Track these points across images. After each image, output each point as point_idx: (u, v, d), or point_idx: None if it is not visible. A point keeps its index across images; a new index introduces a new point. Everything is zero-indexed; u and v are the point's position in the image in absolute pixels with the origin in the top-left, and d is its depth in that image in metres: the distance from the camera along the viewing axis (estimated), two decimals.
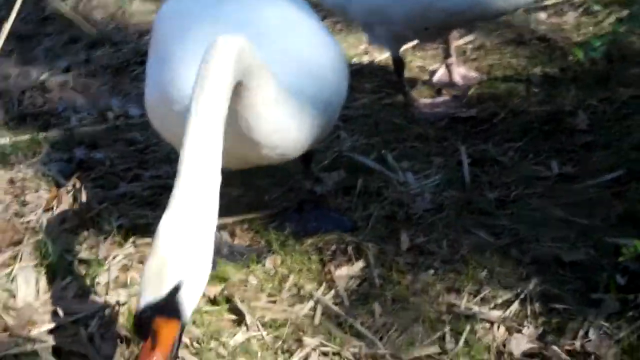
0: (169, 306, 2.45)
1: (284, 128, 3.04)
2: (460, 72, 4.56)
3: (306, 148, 3.24)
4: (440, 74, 4.57)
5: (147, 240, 3.61)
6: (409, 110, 4.37)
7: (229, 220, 3.73)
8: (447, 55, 4.56)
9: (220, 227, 3.68)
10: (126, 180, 4.06)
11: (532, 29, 4.90)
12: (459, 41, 4.85)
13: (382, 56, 4.88)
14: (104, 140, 4.38)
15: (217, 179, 2.59)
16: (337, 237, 3.56)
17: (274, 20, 3.20)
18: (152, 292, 2.44)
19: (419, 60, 4.84)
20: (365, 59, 4.89)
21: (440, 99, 4.46)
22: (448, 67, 4.55)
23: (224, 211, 3.73)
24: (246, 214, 3.77)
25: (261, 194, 3.88)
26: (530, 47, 4.76)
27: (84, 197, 3.87)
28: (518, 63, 4.63)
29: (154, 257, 2.47)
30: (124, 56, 5.11)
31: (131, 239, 3.65)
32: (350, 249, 3.50)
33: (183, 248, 2.47)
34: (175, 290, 2.46)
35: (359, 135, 4.23)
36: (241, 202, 3.84)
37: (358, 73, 4.71)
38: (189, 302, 2.49)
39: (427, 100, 4.46)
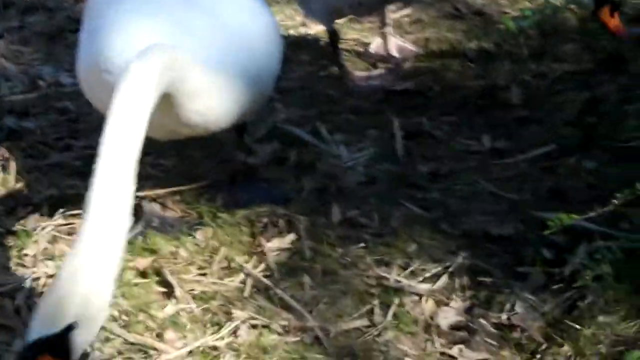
0: (59, 345, 2.38)
1: (212, 102, 3.02)
2: (396, 43, 4.56)
3: (236, 121, 3.22)
4: (377, 45, 4.56)
5: (77, 211, 3.57)
6: (344, 82, 4.36)
7: (160, 191, 3.70)
8: (383, 25, 4.56)
9: (151, 199, 3.65)
10: (57, 149, 4.00)
11: (469, 3, 4.92)
12: (395, 14, 4.85)
13: (319, 28, 4.85)
14: (35, 108, 4.31)
15: (126, 222, 2.53)
16: (268, 209, 3.54)
17: None
18: (45, 328, 2.37)
19: (355, 33, 4.83)
20: (302, 31, 4.87)
21: (375, 72, 4.46)
22: (384, 37, 4.54)
23: (155, 182, 3.75)
24: (178, 186, 3.74)
25: (193, 166, 3.85)
26: (467, 21, 4.77)
27: (13, 167, 3.81)
28: (454, 37, 4.64)
29: (53, 293, 2.41)
30: (58, 23, 5.02)
31: (61, 210, 3.59)
32: (281, 221, 3.49)
33: (83, 290, 2.40)
34: (69, 329, 2.39)
35: (294, 107, 4.21)
36: (173, 174, 3.81)
37: (294, 45, 4.68)
38: (80, 343, 2.43)
39: (363, 73, 4.46)
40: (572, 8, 4.62)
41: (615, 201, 2.83)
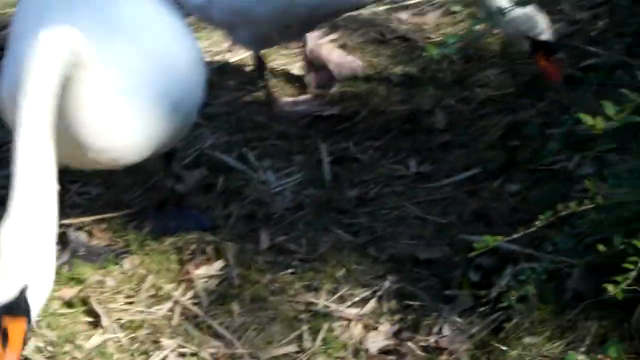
0: (16, 306, 2.50)
1: (114, 131, 3.01)
2: (324, 75, 4.57)
3: (150, 152, 3.20)
4: (306, 80, 4.56)
5: None
6: (271, 108, 4.37)
7: (86, 219, 3.67)
8: (308, 58, 4.58)
9: (77, 227, 3.62)
10: None
11: (394, 28, 4.97)
12: (321, 40, 4.88)
13: (245, 54, 4.87)
14: None
15: (53, 182, 2.60)
16: (196, 236, 3.54)
17: (125, 16, 3.15)
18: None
19: (282, 58, 4.84)
20: (228, 57, 4.87)
21: (302, 97, 4.48)
22: (312, 72, 4.55)
23: (81, 211, 3.72)
24: (104, 214, 3.71)
25: (120, 193, 3.83)
26: (391, 47, 4.82)
27: None
28: (379, 62, 4.68)
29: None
30: None
31: None
32: (209, 248, 3.49)
33: (24, 252, 2.50)
34: (22, 291, 2.50)
35: (220, 133, 4.21)
36: (99, 202, 3.79)
37: (221, 71, 4.68)
38: (35, 301, 2.54)
39: (289, 99, 4.47)
40: (495, 34, 4.71)
41: (537, 223, 2.88)
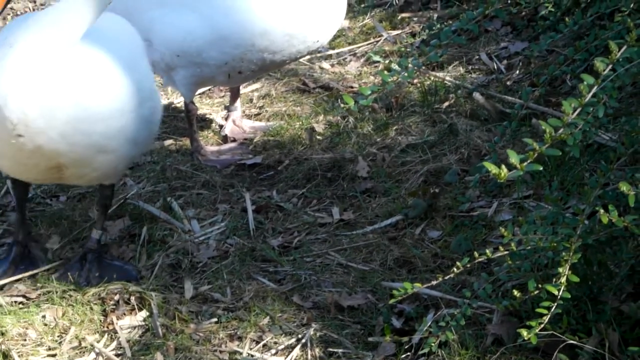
0: None
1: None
2: (247, 124, 4.63)
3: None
4: (229, 129, 4.61)
5: None
6: (196, 157, 4.40)
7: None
8: (232, 107, 4.62)
9: None
10: None
11: (316, 77, 5.05)
12: (245, 89, 4.93)
13: (167, 102, 4.90)
14: None
15: None
16: (120, 286, 3.53)
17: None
18: None
19: (206, 107, 4.88)
20: None
21: (226, 146, 4.51)
22: (234, 121, 4.61)
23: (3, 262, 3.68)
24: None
25: (42, 243, 3.80)
26: (314, 96, 4.90)
27: None
28: (302, 111, 4.75)
29: None
30: None
31: None
32: (133, 298, 3.48)
33: None
34: None
35: (145, 183, 4.22)
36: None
37: None
38: None
39: (214, 148, 4.50)
40: (414, 82, 4.81)
41: (455, 269, 2.95)
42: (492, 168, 2.55)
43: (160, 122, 3.58)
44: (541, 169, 2.58)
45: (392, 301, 3.01)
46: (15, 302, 3.51)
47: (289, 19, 4.13)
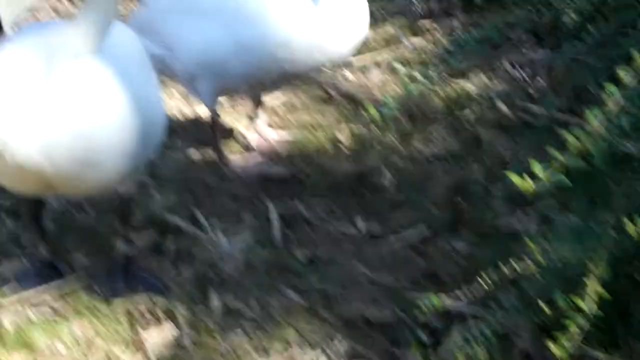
0: None
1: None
2: (271, 134, 4.64)
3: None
4: (253, 139, 4.62)
5: None
6: (221, 168, 4.41)
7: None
8: (256, 116, 4.63)
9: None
10: None
11: (339, 87, 5.05)
12: (269, 99, 4.94)
13: (192, 114, 4.91)
14: None
15: None
16: (147, 299, 3.54)
17: None
18: None
19: (230, 116, 4.89)
20: (177, 116, 4.90)
21: (251, 157, 4.52)
22: (258, 131, 4.62)
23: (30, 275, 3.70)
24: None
25: (69, 256, 3.82)
26: (337, 106, 4.90)
27: None
28: (325, 120, 4.75)
29: None
30: None
31: None
32: (160, 311, 3.50)
33: None
34: None
35: (170, 194, 4.23)
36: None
37: (169, 130, 4.70)
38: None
39: (238, 158, 4.51)
40: (437, 90, 4.81)
41: (482, 282, 2.94)
42: (517, 180, 2.55)
43: (162, 131, 3.54)
44: (566, 180, 2.57)
45: (419, 315, 3.01)
46: (43, 315, 3.53)
47: (309, 30, 4.13)
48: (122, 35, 3.56)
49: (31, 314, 3.53)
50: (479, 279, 2.99)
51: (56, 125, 3.13)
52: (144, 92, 3.40)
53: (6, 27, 3.04)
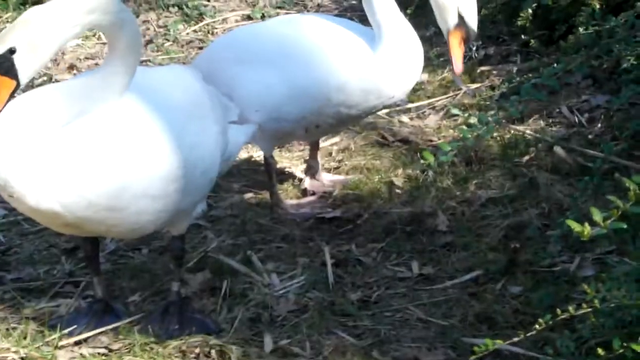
0: (3, 64, 3.08)
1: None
2: (326, 178, 4.66)
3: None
4: (308, 182, 4.65)
5: (7, 345, 3.54)
6: (276, 210, 4.43)
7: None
8: (311, 160, 4.66)
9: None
10: None
11: (395, 131, 5.06)
12: (324, 142, 4.97)
13: (247, 156, 4.96)
14: None
15: None
16: (201, 339, 3.56)
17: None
18: None
19: (286, 160, 4.93)
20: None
21: (305, 200, 4.54)
22: (314, 174, 4.64)
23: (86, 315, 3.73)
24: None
25: (125, 297, 3.86)
26: (393, 149, 4.91)
27: None
28: (381, 165, 4.76)
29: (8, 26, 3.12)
30: None
31: None
32: (214, 352, 3.51)
33: (28, 23, 3.09)
34: (10, 52, 3.07)
35: (225, 236, 4.26)
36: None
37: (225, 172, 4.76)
38: (23, 66, 3.09)
39: (293, 201, 4.53)
40: (494, 136, 4.79)
41: (537, 326, 2.90)
42: (575, 226, 2.53)
43: (210, 176, 3.56)
44: (625, 227, 2.54)
45: (472, 358, 2.97)
46: (98, 353, 3.56)
47: (364, 75, 4.16)
48: (165, 79, 3.60)
49: (87, 353, 3.56)
50: (533, 323, 2.96)
51: (73, 174, 3.19)
52: (183, 137, 3.40)
53: (23, 79, 3.14)
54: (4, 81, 3.09)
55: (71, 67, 6.10)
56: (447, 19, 4.17)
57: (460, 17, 4.15)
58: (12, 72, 3.09)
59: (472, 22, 4.16)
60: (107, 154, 3.22)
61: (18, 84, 3.11)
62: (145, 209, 3.32)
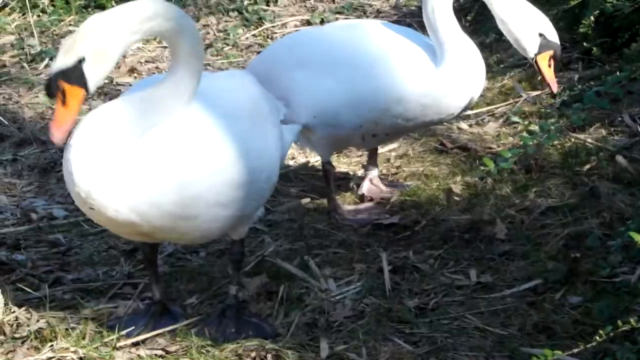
0: (73, 74, 3.12)
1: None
2: (384, 184, 4.65)
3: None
4: (366, 188, 4.64)
5: (66, 345, 3.58)
6: (333, 216, 4.43)
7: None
8: (369, 166, 4.65)
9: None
10: (47, 282, 4.02)
11: (454, 138, 5.04)
12: (383, 149, 4.96)
13: (305, 161, 4.96)
14: (26, 241, 4.35)
15: None
16: (257, 343, 3.56)
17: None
18: (61, 62, 3.13)
19: (344, 166, 4.93)
20: (290, 164, 4.96)
21: (363, 206, 4.53)
22: (371, 180, 4.63)
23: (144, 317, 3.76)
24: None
25: (182, 299, 3.88)
26: (452, 156, 4.88)
27: (1, 300, 3.82)
28: (440, 171, 4.74)
29: (72, 36, 3.16)
30: (50, 156, 5.11)
31: (49, 344, 3.60)
32: (270, 356, 3.51)
33: (92, 32, 3.15)
34: (79, 62, 3.13)
35: (282, 240, 4.27)
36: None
37: (282, 178, 4.76)
38: (91, 75, 3.14)
39: (351, 207, 4.53)
40: (555, 144, 4.74)
41: (598, 338, 2.86)
42: (637, 236, 2.50)
43: (271, 181, 3.58)
44: None
45: None
46: (156, 355, 3.59)
47: (425, 90, 4.15)
48: (228, 86, 3.62)
49: (144, 354, 3.58)
50: (593, 333, 2.92)
51: (150, 185, 3.22)
52: (249, 143, 3.43)
53: (91, 87, 3.18)
54: (74, 90, 3.14)
55: (132, 70, 6.17)
56: (530, 45, 4.16)
57: (544, 39, 4.13)
58: (82, 81, 3.14)
59: (556, 39, 4.15)
60: (180, 164, 3.26)
61: (87, 92, 3.16)
62: (216, 216, 3.35)
